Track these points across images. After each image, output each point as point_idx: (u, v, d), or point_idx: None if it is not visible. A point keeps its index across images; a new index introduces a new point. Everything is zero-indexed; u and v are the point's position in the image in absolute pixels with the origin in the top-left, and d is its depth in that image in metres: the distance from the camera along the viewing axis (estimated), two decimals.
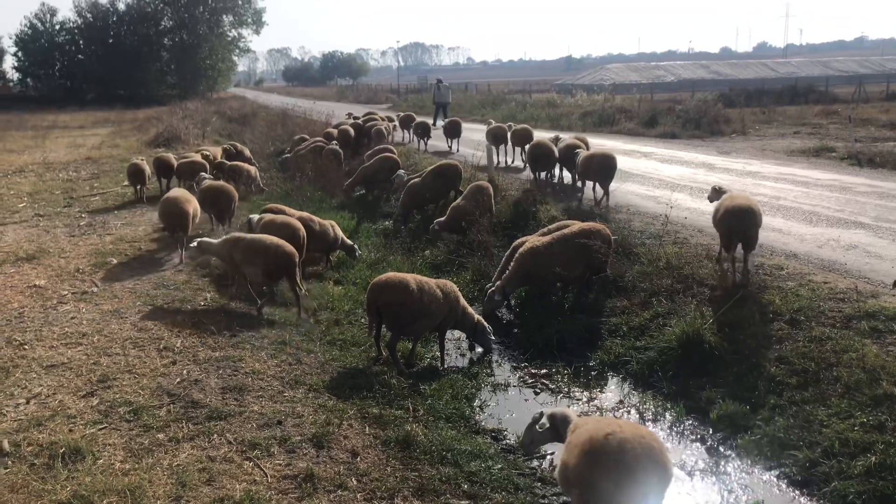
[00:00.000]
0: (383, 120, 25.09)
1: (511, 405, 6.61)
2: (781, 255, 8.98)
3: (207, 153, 17.55)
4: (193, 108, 42.86)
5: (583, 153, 12.78)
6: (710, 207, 11.29)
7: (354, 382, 6.48)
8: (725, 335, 7.00)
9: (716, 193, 9.19)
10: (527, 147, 15.65)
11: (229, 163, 16.81)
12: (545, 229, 9.46)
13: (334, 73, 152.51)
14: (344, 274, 10.48)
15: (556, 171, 14.85)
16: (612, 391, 6.88)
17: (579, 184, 13.27)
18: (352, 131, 22.02)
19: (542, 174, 14.54)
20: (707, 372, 6.67)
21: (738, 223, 7.92)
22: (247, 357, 6.67)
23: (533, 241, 8.78)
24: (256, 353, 6.83)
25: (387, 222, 14.80)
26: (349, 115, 32.71)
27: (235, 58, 77.49)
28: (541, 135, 17.56)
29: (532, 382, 7.07)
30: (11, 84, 66.68)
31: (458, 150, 20.90)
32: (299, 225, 9.37)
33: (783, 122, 28.13)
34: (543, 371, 7.27)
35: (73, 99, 58.39)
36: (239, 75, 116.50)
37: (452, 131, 21.87)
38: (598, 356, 7.44)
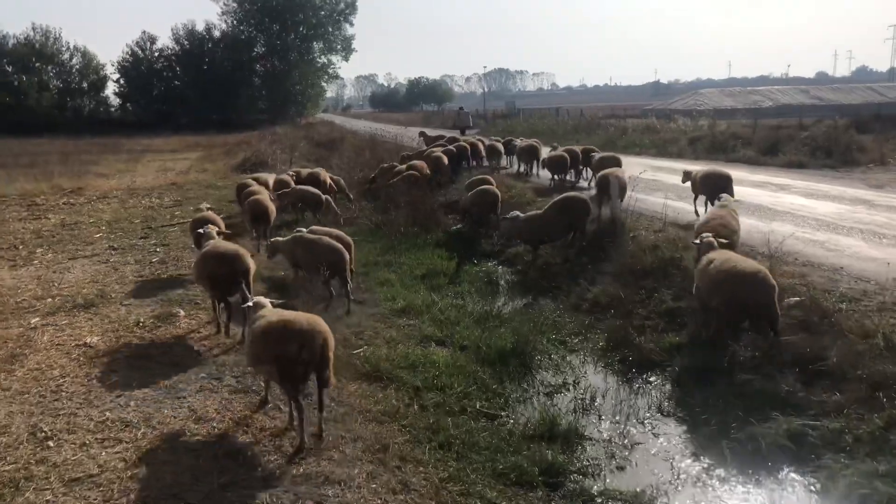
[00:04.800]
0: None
1: None
2: None
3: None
4: (282, 133, 42.60)
5: (596, 156, 16.85)
6: None
7: None
8: None
9: (686, 175, 13.59)
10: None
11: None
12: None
13: (420, 98, 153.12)
14: (448, 332, 8.62)
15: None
16: None
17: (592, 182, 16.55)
18: (444, 158, 20.39)
19: (559, 176, 18.13)
20: None
21: (722, 181, 11.95)
22: (335, 474, 4.83)
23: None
24: (347, 467, 5.00)
25: (490, 263, 12.96)
26: (422, 133, 31.46)
27: (325, 84, 78.22)
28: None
29: None
30: (112, 109, 68.90)
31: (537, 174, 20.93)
32: None
33: None
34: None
35: (169, 123, 59.58)
36: (327, 101, 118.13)
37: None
38: (820, 482, 5.25)
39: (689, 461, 5.71)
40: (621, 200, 13.04)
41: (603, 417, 6.51)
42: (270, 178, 16.91)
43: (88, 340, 7.48)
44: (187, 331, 7.93)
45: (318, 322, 5.31)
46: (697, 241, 8.25)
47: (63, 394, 6.12)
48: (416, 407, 6.28)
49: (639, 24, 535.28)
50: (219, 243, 8.31)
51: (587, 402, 6.76)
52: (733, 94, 78.24)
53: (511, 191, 16.79)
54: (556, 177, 18.16)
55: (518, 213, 11.87)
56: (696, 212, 12.98)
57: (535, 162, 20.69)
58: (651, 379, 7.33)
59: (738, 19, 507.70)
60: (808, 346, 6.74)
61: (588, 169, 17.91)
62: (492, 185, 15.21)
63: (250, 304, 5.93)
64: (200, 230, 9.18)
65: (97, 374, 6.58)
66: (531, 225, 11.47)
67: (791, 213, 13.16)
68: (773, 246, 9.70)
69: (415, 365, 7.25)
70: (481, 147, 23.31)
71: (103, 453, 5.03)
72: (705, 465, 5.62)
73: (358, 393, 6.42)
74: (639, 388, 7.17)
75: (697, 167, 14.35)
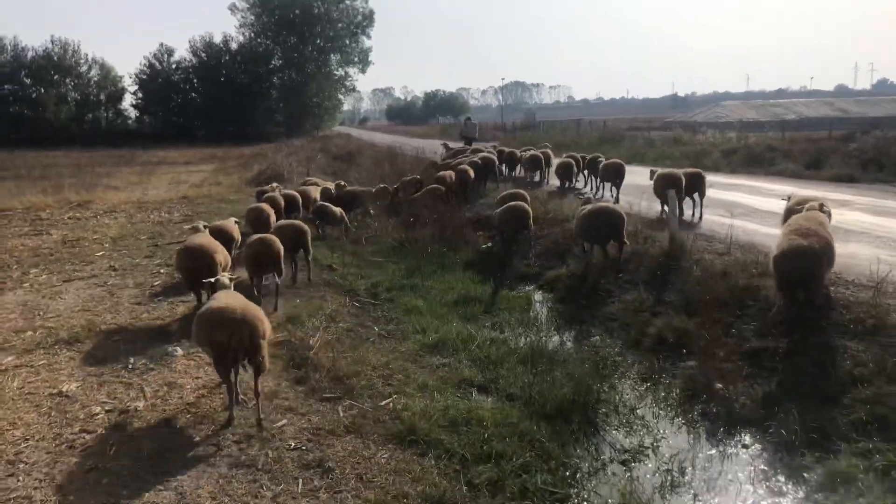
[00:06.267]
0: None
1: None
2: None
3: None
4: (299, 145, 41.66)
5: (602, 163, 17.56)
6: None
7: None
8: None
9: (652, 173, 14.13)
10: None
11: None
12: None
13: (436, 111, 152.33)
14: (491, 375, 7.29)
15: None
16: None
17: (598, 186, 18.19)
18: (471, 171, 19.13)
19: (567, 183, 18.96)
20: None
21: (674, 181, 12.95)
22: None
23: None
24: None
25: (527, 287, 11.66)
26: (444, 145, 30.63)
27: (342, 96, 77.46)
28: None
29: None
30: (129, 121, 68.45)
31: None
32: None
33: None
34: None
35: (185, 135, 59.11)
36: (344, 114, 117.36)
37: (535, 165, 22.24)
38: None
39: None
40: (680, 202, 12.98)
41: (699, 499, 5.15)
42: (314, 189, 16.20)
43: (65, 388, 6.25)
44: (183, 374, 6.68)
45: (250, 311, 5.56)
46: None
47: (21, 466, 4.87)
48: (464, 487, 4.94)
49: (655, 37, 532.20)
50: (193, 238, 8.68)
51: (675, 474, 5.40)
52: (755, 107, 76.94)
53: (546, 205, 15.45)
54: (565, 184, 19.12)
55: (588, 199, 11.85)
56: (662, 211, 13.85)
57: (540, 170, 21.66)
58: (747, 441, 5.95)
59: (756, 32, 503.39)
60: None
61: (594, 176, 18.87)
62: (524, 199, 13.91)
63: (212, 280, 6.51)
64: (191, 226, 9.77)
65: (69, 435, 5.34)
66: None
67: (866, 234, 11.73)
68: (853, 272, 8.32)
69: (457, 422, 5.93)
70: (519, 158, 22.45)
71: None
72: None
73: (390, 467, 5.09)
74: (734, 454, 5.80)
75: (661, 169, 14.75)
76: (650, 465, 5.63)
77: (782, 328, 7.35)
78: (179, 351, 7.26)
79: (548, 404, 6.44)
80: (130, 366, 6.84)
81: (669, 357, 7.74)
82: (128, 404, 5.93)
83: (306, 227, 10.58)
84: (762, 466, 5.53)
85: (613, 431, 6.22)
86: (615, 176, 16.45)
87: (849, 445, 5.38)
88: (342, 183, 17.32)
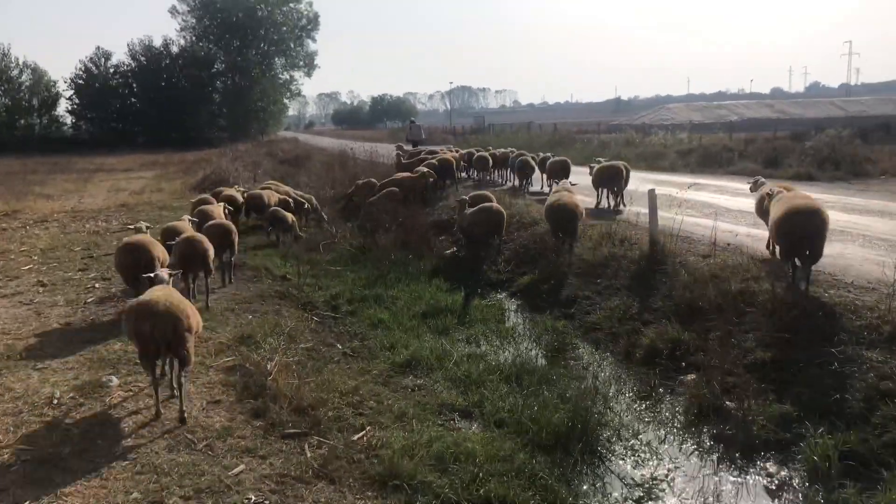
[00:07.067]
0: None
1: None
2: None
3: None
4: (244, 150, 40.32)
5: (550, 160, 18.26)
6: None
7: None
8: None
9: (591, 168, 15.47)
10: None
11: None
12: None
13: (384, 115, 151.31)
14: (474, 398, 6.49)
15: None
16: None
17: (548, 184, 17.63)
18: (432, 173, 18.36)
19: (525, 181, 19.19)
20: None
21: (611, 173, 14.71)
22: None
23: None
24: None
25: (499, 295, 10.93)
26: (398, 146, 30.04)
27: (287, 100, 75.87)
28: None
29: None
30: (65, 127, 65.47)
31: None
32: None
33: None
34: None
35: (125, 142, 56.92)
36: (289, 119, 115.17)
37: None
38: None
39: None
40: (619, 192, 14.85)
41: None
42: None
43: None
44: (119, 410, 5.69)
45: (174, 303, 5.59)
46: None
47: None
48: None
49: (597, 43, 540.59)
50: (133, 235, 8.78)
51: None
52: (700, 109, 78.55)
53: (511, 207, 14.74)
54: (523, 181, 19.39)
55: None
56: (598, 203, 15.07)
57: (490, 171, 22.19)
58: (771, 469, 5.28)
59: (694, 37, 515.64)
60: None
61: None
62: (493, 202, 13.15)
63: (151, 275, 6.37)
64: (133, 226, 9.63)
65: None
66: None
67: (845, 232, 11.31)
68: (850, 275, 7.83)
69: (444, 459, 5.10)
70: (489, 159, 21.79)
71: None
72: None
73: None
74: (760, 484, 5.11)
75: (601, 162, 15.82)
76: (669, 503, 4.91)
77: (789, 336, 6.74)
78: (115, 381, 6.26)
79: (543, 431, 5.66)
80: (56, 401, 5.82)
81: (666, 370, 7.07)
82: (50, 451, 4.93)
83: (232, 227, 10.66)
84: (797, 499, 4.86)
85: (620, 461, 5.48)
86: (561, 173, 17.18)
87: (892, 474, 4.75)
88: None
